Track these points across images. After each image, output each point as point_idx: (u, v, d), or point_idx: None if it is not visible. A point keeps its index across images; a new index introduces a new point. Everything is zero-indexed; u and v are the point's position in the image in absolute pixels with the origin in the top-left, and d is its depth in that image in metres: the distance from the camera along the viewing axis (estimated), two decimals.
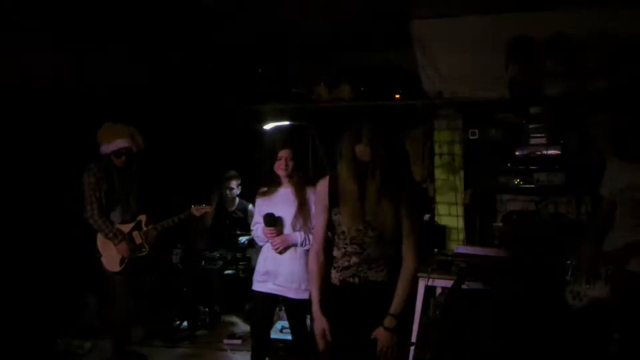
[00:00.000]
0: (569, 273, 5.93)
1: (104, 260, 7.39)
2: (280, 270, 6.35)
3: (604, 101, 7.51)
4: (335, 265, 4.98)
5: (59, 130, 8.24)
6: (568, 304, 5.93)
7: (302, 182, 6.30)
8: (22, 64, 7.60)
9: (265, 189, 6.50)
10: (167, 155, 9.19)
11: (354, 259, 4.84)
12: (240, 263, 9.62)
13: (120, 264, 7.34)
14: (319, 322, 4.95)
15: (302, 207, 6.28)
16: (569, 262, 5.93)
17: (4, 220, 7.79)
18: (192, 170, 9.39)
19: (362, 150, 4.64)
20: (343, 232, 4.87)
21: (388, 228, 4.69)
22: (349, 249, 4.85)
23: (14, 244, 7.87)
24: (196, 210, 7.74)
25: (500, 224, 8.54)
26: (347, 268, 4.88)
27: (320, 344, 4.94)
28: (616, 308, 5.55)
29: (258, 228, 6.44)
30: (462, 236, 8.85)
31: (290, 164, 6.29)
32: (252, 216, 6.96)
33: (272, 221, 6.24)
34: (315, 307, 5.00)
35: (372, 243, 4.78)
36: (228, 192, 10.11)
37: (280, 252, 6.31)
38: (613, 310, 5.58)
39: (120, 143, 7.32)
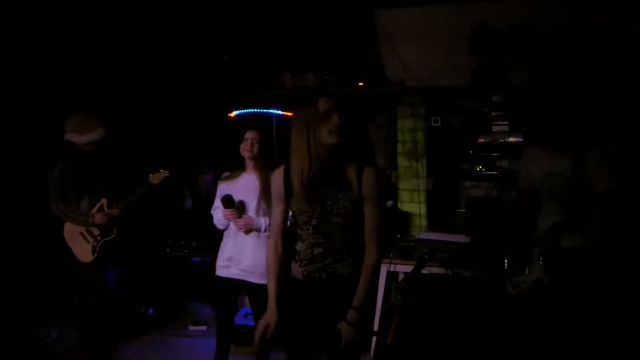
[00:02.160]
0: (505, 266, 6.04)
1: (75, 252, 7.40)
2: (244, 256, 6.42)
3: (564, 90, 7.59)
4: (297, 258, 4.85)
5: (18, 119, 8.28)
6: (509, 294, 6.04)
7: (266, 167, 6.27)
8: None
9: (228, 173, 6.58)
10: (135, 143, 9.23)
11: (318, 250, 4.70)
12: (205, 250, 9.65)
13: (92, 253, 7.36)
14: (270, 317, 4.81)
15: (266, 193, 6.24)
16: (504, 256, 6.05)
17: None
18: (159, 156, 9.42)
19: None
20: (305, 222, 4.73)
21: (351, 213, 4.60)
22: (312, 239, 4.72)
23: None
24: (154, 177, 7.61)
25: (463, 210, 8.61)
26: (311, 261, 4.73)
27: (257, 339, 4.82)
28: (551, 285, 5.66)
29: (218, 212, 6.51)
30: (424, 222, 8.88)
31: (256, 146, 6.34)
32: None
33: (230, 202, 6.30)
34: (272, 301, 4.87)
35: (335, 231, 4.64)
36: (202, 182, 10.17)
37: (246, 233, 6.38)
38: (549, 287, 5.68)
39: (96, 135, 7.28)
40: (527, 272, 5.75)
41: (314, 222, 4.67)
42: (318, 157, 4.58)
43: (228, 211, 6.32)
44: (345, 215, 4.59)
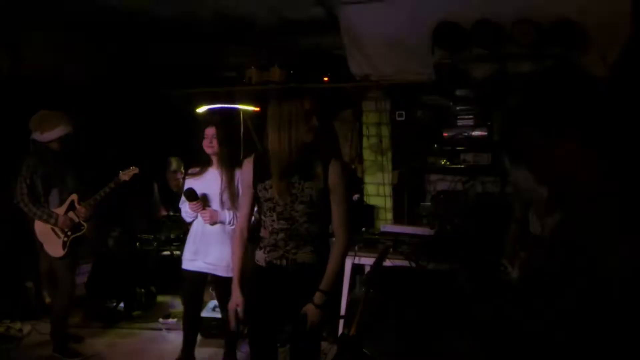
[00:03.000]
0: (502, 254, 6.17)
1: (46, 247, 7.45)
2: (210, 249, 6.55)
3: (527, 84, 7.65)
4: (261, 244, 4.98)
5: None
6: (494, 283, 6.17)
7: (230, 161, 6.45)
8: None
9: (195, 169, 6.67)
10: (102, 139, 9.29)
11: (281, 235, 4.83)
12: (174, 244, 9.70)
13: (63, 248, 7.42)
14: (235, 299, 5.00)
15: (230, 186, 6.45)
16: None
17: None
18: (127, 152, 9.46)
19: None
20: (270, 209, 4.85)
21: (316, 202, 4.74)
22: (276, 225, 4.84)
23: None
24: (124, 174, 7.71)
25: (428, 203, 8.70)
26: (274, 247, 4.86)
27: (232, 321, 5.03)
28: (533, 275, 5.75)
29: (185, 205, 6.58)
30: (389, 215, 8.99)
31: (214, 141, 6.45)
32: None
33: (193, 195, 6.40)
34: (235, 283, 5.04)
35: (299, 217, 4.79)
36: (171, 175, 10.23)
37: (211, 225, 6.49)
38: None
39: (63, 130, 7.38)
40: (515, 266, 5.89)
41: (278, 208, 4.80)
42: (289, 149, 4.69)
43: (192, 204, 6.43)
44: (310, 203, 4.75)
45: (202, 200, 6.48)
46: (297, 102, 4.71)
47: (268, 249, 4.91)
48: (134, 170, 7.75)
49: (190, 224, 6.80)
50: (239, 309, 4.97)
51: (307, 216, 4.78)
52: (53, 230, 7.41)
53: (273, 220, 4.86)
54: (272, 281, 4.92)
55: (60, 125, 7.37)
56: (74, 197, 7.51)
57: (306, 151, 4.74)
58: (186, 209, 6.61)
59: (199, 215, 6.59)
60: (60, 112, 7.52)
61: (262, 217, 4.98)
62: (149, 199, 10.66)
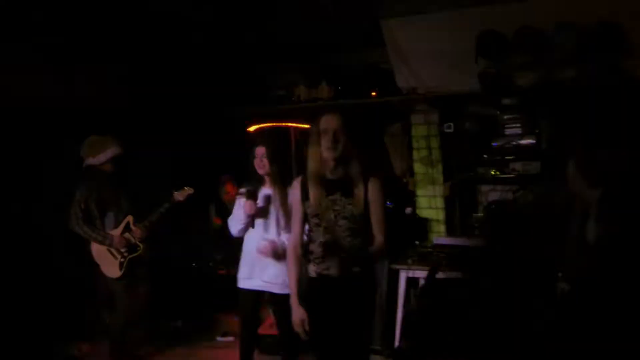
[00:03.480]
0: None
1: (103, 269, 7.57)
2: (265, 267, 6.52)
3: (571, 91, 7.63)
4: (311, 257, 5.26)
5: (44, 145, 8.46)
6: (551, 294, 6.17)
7: (281, 180, 6.47)
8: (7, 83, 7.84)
9: (246, 189, 6.61)
10: (154, 159, 9.38)
11: (328, 248, 5.03)
12: (231, 263, 9.74)
13: (120, 269, 7.53)
14: (296, 313, 5.28)
15: (283, 204, 6.43)
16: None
17: (5, 230, 8.03)
18: (179, 172, 9.55)
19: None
20: (316, 224, 5.17)
21: (357, 218, 5.06)
22: (322, 238, 5.09)
23: (15, 252, 8.09)
24: (179, 194, 7.78)
25: (480, 214, 8.68)
26: (323, 259, 5.13)
27: (301, 334, 5.27)
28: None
29: (234, 220, 6.64)
30: (442, 228, 8.96)
31: (265, 160, 6.45)
32: None
33: (252, 195, 6.43)
34: (293, 299, 5.33)
35: (343, 231, 5.08)
36: (225, 197, 10.27)
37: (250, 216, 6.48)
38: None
39: (114, 151, 7.52)
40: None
41: (324, 224, 5.11)
42: (328, 168, 5.09)
43: (248, 202, 6.41)
44: (352, 218, 5.09)
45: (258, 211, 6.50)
46: (316, 121, 5.12)
47: (318, 260, 5.19)
48: (188, 190, 7.82)
49: (239, 241, 6.84)
50: (305, 323, 5.24)
51: (350, 231, 5.09)
52: (110, 251, 7.53)
53: (320, 234, 5.13)
54: (324, 291, 5.20)
55: (111, 147, 7.51)
56: (130, 218, 7.63)
57: (341, 166, 5.08)
58: (235, 222, 6.61)
59: (249, 229, 6.62)
60: (109, 136, 7.65)
61: (310, 233, 5.28)
62: (205, 219, 10.74)
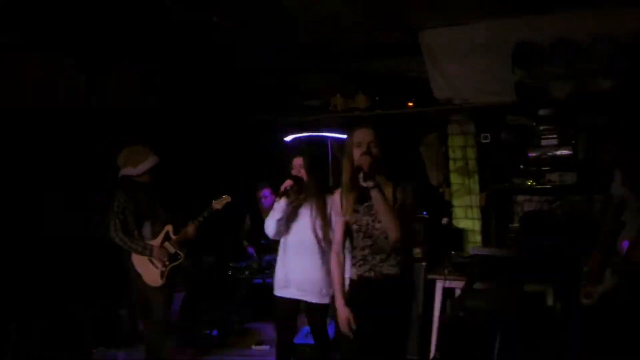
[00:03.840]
0: (582, 278, 6.14)
1: (145, 278, 7.54)
2: (302, 276, 6.54)
3: (608, 101, 7.61)
4: (353, 261, 5.52)
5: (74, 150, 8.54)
6: (581, 304, 6.15)
7: (317, 190, 6.49)
8: (36, 85, 7.93)
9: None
10: (189, 170, 9.44)
11: (367, 251, 5.39)
12: (266, 271, 9.77)
13: (162, 278, 7.52)
14: (342, 313, 5.47)
15: (321, 215, 6.47)
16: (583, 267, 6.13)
17: (42, 240, 8.13)
18: (216, 184, 9.59)
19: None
20: (356, 230, 5.45)
21: (390, 236, 5.24)
22: (362, 242, 5.42)
23: (52, 263, 8.18)
24: (217, 203, 7.78)
25: (516, 224, 8.67)
26: (364, 262, 5.41)
27: (348, 333, 5.46)
28: (623, 296, 5.73)
29: (269, 220, 6.62)
30: (478, 238, 8.96)
31: (302, 171, 6.51)
32: None
33: (299, 181, 6.51)
34: (339, 300, 5.55)
35: (380, 234, 5.32)
36: (264, 200, 10.29)
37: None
38: (621, 298, 5.76)
39: (153, 161, 7.54)
40: (600, 286, 5.87)
41: (363, 229, 5.41)
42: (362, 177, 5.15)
43: (289, 183, 6.46)
44: None
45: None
46: (350, 134, 5.47)
47: (359, 264, 5.46)
48: (226, 199, 7.82)
49: (276, 244, 6.89)
50: (352, 322, 5.43)
51: (385, 234, 5.27)
52: (151, 261, 7.53)
53: (360, 239, 5.44)
54: (364, 292, 5.46)
55: (150, 157, 7.53)
56: (169, 227, 7.63)
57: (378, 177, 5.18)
58: (272, 216, 6.59)
59: (286, 237, 6.71)
60: (145, 146, 7.68)
61: (354, 240, 5.52)
62: (241, 228, 10.80)
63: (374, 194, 5.08)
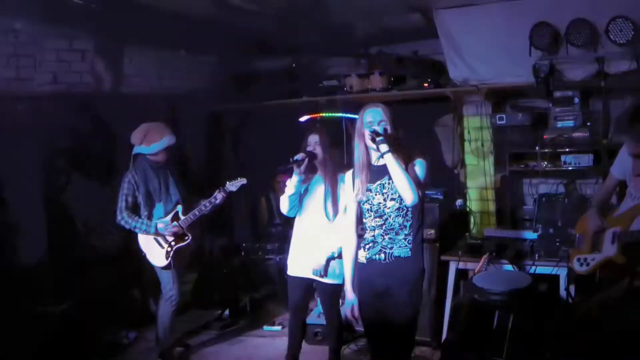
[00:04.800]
0: (575, 243, 6.18)
1: (149, 257, 7.57)
2: (314, 255, 6.57)
3: (625, 84, 7.56)
4: (362, 244, 5.55)
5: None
6: (574, 271, 6.21)
7: (332, 168, 6.52)
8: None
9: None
10: (202, 149, 9.44)
11: (378, 231, 5.44)
12: (279, 252, 9.73)
13: (166, 258, 7.50)
14: (349, 298, 5.59)
15: (333, 193, 6.53)
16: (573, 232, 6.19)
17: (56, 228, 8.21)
18: (232, 165, 9.60)
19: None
20: (367, 210, 5.49)
21: (405, 198, 5.25)
22: (372, 223, 5.46)
23: (66, 247, 8.22)
24: (231, 185, 7.64)
25: (531, 206, 8.63)
26: (373, 244, 5.47)
27: (351, 320, 5.78)
28: (625, 265, 5.76)
29: (283, 201, 6.75)
30: (493, 220, 8.90)
31: (317, 148, 6.53)
32: None
33: (312, 155, 6.58)
34: (347, 285, 5.64)
35: (391, 213, 5.38)
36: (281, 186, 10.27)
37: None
38: (623, 267, 5.79)
39: (169, 140, 7.48)
40: (598, 250, 5.88)
41: (374, 207, 5.45)
42: (374, 156, 5.43)
43: (302, 155, 6.53)
44: (399, 199, 5.33)
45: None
46: (361, 113, 5.49)
47: (368, 246, 5.51)
48: (241, 180, 7.71)
49: (290, 226, 6.89)
50: (355, 310, 5.55)
51: (398, 211, 5.38)
52: (156, 240, 7.53)
53: (371, 219, 5.48)
54: (373, 275, 5.48)
55: (166, 135, 7.46)
56: (179, 208, 7.60)
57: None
58: (286, 192, 6.70)
59: (301, 217, 6.78)
60: (163, 124, 7.64)
61: (364, 219, 5.55)
62: (255, 208, 10.78)
63: (388, 157, 5.12)
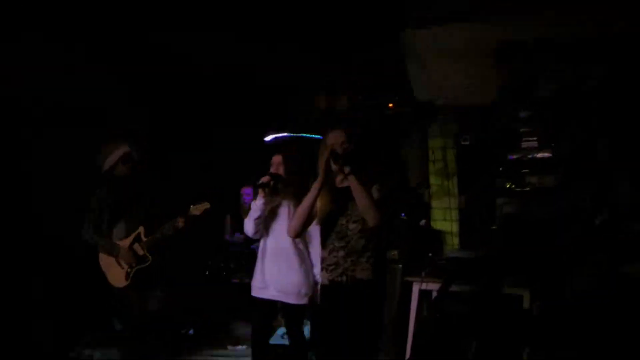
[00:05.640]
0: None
1: (109, 277, 7.50)
2: (280, 278, 6.53)
3: (592, 103, 7.61)
4: (323, 265, 5.53)
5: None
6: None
7: (295, 189, 6.45)
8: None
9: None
10: (170, 170, 9.40)
11: (341, 253, 5.41)
12: (244, 272, 9.72)
13: (126, 279, 7.45)
14: None
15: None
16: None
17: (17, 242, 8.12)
18: (197, 184, 9.57)
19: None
20: (331, 230, 5.48)
21: (368, 219, 5.25)
22: (336, 243, 5.44)
23: (31, 262, 8.15)
24: (195, 209, 7.52)
25: (495, 227, 8.66)
26: (335, 266, 5.42)
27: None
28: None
29: (248, 221, 6.64)
30: (456, 240, 8.94)
31: (281, 168, 6.50)
32: None
33: (277, 178, 6.48)
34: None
35: (354, 235, 5.37)
36: (244, 198, 10.23)
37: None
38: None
39: (122, 149, 7.41)
40: None
41: (337, 229, 5.45)
42: (338, 178, 5.46)
43: (267, 178, 6.42)
44: (362, 221, 5.34)
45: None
46: (324, 136, 5.58)
47: (330, 268, 5.48)
48: (205, 205, 7.58)
49: (256, 243, 6.87)
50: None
51: (361, 233, 5.36)
52: (117, 261, 7.47)
53: (332, 240, 5.47)
54: (335, 298, 5.48)
55: (119, 147, 7.42)
56: (141, 229, 7.54)
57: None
58: (250, 215, 6.59)
59: (265, 239, 6.70)
60: (116, 138, 7.59)
61: (325, 241, 5.55)
62: (220, 228, 10.76)
63: (351, 179, 5.13)
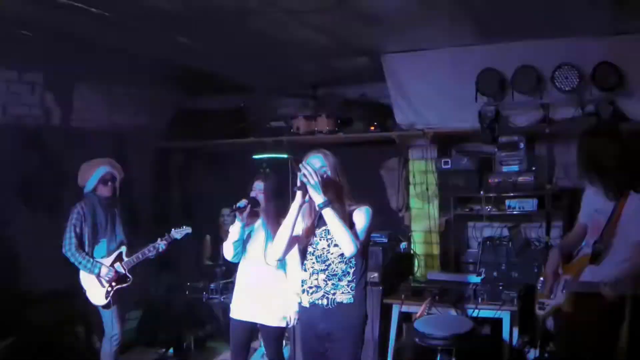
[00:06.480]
0: (538, 287, 6.18)
1: (89, 295, 7.51)
2: (258, 299, 6.51)
3: (570, 130, 7.63)
4: (303, 287, 5.46)
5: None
6: (535, 315, 6.22)
7: (275, 213, 6.39)
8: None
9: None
10: (153, 190, 9.41)
11: (321, 276, 5.35)
12: (224, 292, 9.71)
13: (106, 297, 7.46)
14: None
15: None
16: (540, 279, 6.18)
17: None
18: (178, 204, 9.57)
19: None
20: (310, 252, 5.44)
21: (344, 250, 5.14)
22: (316, 266, 5.38)
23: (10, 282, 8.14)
24: (176, 232, 7.72)
25: (475, 250, 8.70)
26: (317, 289, 5.36)
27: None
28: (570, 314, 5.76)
29: (226, 248, 6.62)
30: (437, 263, 8.97)
31: (261, 195, 6.50)
32: None
33: (255, 203, 6.49)
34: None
35: (334, 259, 5.31)
36: (224, 221, 10.22)
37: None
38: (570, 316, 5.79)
39: (101, 170, 7.48)
40: (552, 296, 5.90)
41: (317, 252, 5.40)
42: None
43: (245, 202, 6.43)
44: None
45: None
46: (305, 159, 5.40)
47: (311, 290, 5.41)
48: (186, 229, 7.78)
49: (234, 266, 6.87)
50: None
51: (341, 257, 5.28)
52: (98, 279, 7.48)
53: (313, 263, 5.41)
54: (315, 320, 5.40)
55: (98, 167, 7.49)
56: (123, 248, 7.60)
57: (334, 201, 5.17)
58: (229, 239, 6.57)
59: (244, 261, 6.70)
60: (97, 159, 7.65)
61: (305, 263, 5.50)
62: (200, 247, 10.74)
63: (326, 211, 5.07)
